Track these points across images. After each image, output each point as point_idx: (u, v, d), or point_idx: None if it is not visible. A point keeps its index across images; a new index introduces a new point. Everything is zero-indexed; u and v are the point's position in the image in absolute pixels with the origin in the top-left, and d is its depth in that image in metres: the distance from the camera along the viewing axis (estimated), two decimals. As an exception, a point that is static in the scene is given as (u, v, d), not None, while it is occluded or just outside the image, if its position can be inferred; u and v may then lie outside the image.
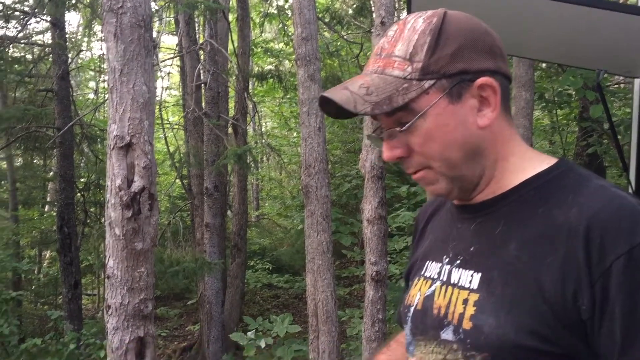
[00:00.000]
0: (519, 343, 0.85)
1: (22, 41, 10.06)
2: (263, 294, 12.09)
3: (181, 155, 8.64)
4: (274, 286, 11.97)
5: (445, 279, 1.01)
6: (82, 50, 12.84)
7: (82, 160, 10.79)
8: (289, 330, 5.82)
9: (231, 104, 10.31)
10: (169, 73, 14.37)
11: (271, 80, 9.47)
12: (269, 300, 11.61)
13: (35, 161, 13.03)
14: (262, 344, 5.63)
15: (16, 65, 9.00)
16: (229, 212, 10.20)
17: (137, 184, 3.62)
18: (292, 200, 11.54)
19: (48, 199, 13.51)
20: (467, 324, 0.92)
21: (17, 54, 10.50)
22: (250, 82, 10.62)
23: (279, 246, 13.64)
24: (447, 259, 1.03)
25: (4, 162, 12.17)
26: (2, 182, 13.01)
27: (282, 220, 14.48)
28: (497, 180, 0.99)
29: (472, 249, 0.98)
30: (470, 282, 0.95)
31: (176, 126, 12.61)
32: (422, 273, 1.08)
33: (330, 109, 0.98)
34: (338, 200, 8.96)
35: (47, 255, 13.73)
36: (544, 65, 7.45)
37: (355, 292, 9.99)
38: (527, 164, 0.98)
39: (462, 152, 0.95)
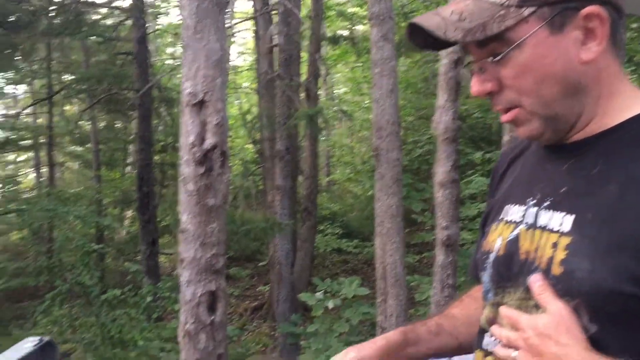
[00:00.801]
0: (617, 289, 0.78)
1: (103, 6, 10.40)
2: (332, 259, 12.20)
3: (254, 117, 8.73)
4: (343, 251, 12.05)
5: (530, 221, 0.94)
6: (160, 14, 13.15)
7: (160, 123, 11.14)
8: (357, 293, 5.84)
9: (303, 68, 10.29)
10: (243, 37, 14.50)
11: (344, 44, 9.36)
12: (338, 265, 11.71)
13: (116, 125, 13.60)
14: (330, 305, 5.69)
15: (97, 29, 9.31)
16: (299, 178, 10.29)
17: (210, 141, 3.67)
18: (363, 166, 11.49)
19: (129, 161, 14.09)
20: (556, 269, 0.85)
21: (98, 18, 10.85)
22: (323, 47, 10.54)
23: (349, 212, 13.68)
24: (533, 201, 0.95)
25: (88, 124, 12.75)
26: (87, 144, 13.66)
27: (353, 186, 14.48)
28: (597, 120, 0.90)
29: (563, 189, 0.91)
30: (561, 224, 0.87)
31: (249, 90, 12.76)
32: (503, 217, 1.02)
33: (419, 38, 0.92)
34: (410, 165, 8.83)
35: (128, 215, 14.37)
36: (634, 25, 6.96)
37: (424, 260, 9.89)
38: (633, 102, 0.89)
39: (559, 88, 0.87)
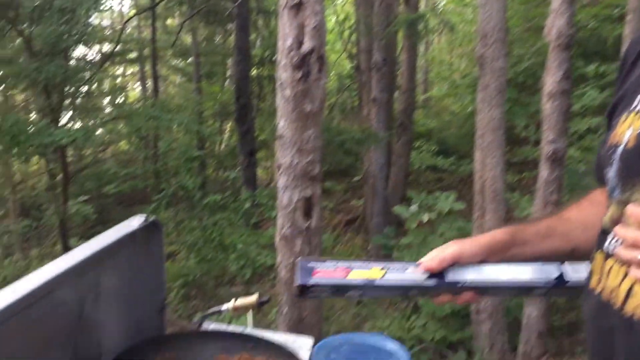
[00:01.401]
0: None
1: None
2: (426, 176, 12.05)
3: (351, 26, 8.50)
4: (437, 169, 11.84)
5: None
6: None
7: (258, 37, 11.14)
8: (453, 208, 5.74)
9: (403, -24, 9.78)
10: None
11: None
12: (432, 183, 11.56)
13: (216, 38, 13.77)
14: (425, 218, 5.64)
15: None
16: (396, 93, 10.05)
17: (307, 45, 3.60)
18: (463, 80, 11.02)
19: (227, 74, 14.34)
20: None
21: None
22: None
23: (446, 129, 13.32)
24: None
25: (189, 37, 13.00)
26: (188, 57, 13.99)
27: (451, 103, 14.00)
28: None
29: None
30: None
31: None
32: (634, 107, 0.91)
33: None
34: (514, 78, 8.33)
35: (228, 128, 14.79)
36: None
37: (524, 180, 9.54)
38: None
39: None
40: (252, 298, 1.66)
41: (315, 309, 4.21)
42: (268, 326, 5.35)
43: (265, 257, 6.29)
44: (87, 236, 9.02)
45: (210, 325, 1.65)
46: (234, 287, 7.27)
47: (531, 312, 5.04)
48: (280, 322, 4.25)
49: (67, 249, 7.95)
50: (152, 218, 1.43)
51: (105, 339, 1.38)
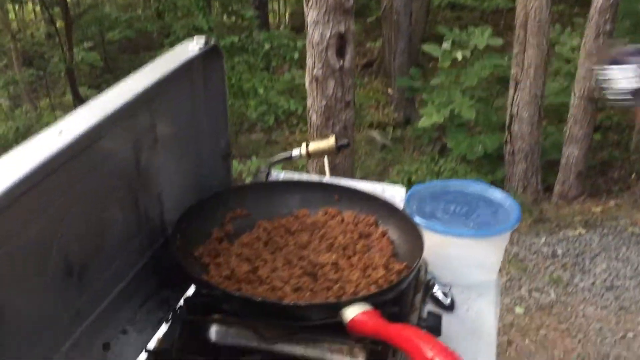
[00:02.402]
0: None
1: None
2: (445, 14, 11.35)
3: None
4: (456, 6, 11.10)
5: None
6: None
7: None
8: (490, 43, 5.30)
9: None
10: None
11: None
12: (452, 21, 10.87)
13: None
14: (459, 56, 5.23)
15: None
16: None
17: None
18: None
19: None
20: None
21: None
22: None
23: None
24: None
25: None
26: None
27: None
28: None
29: None
30: None
31: None
32: None
33: None
34: None
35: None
36: None
37: (565, 11, 8.91)
38: None
39: None
40: (329, 141, 1.39)
41: (349, 154, 4.00)
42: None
43: (287, 103, 5.98)
44: (95, 85, 8.67)
45: (281, 175, 1.40)
46: (254, 134, 7.06)
47: (572, 151, 4.83)
48: (310, 171, 4.06)
49: (78, 97, 7.64)
50: (212, 42, 1.11)
51: (167, 195, 1.13)
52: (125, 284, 1.02)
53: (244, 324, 0.98)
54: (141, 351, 1.00)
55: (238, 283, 1.03)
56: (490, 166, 5.64)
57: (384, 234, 1.18)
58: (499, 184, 5.35)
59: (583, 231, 4.30)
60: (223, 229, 1.20)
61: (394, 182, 5.67)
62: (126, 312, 1.03)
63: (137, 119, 1.00)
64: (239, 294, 0.95)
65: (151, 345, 1.01)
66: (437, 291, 1.24)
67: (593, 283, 3.50)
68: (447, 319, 1.11)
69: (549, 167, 5.41)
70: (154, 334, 1.03)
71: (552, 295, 3.42)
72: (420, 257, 1.05)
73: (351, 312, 0.90)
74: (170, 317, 1.04)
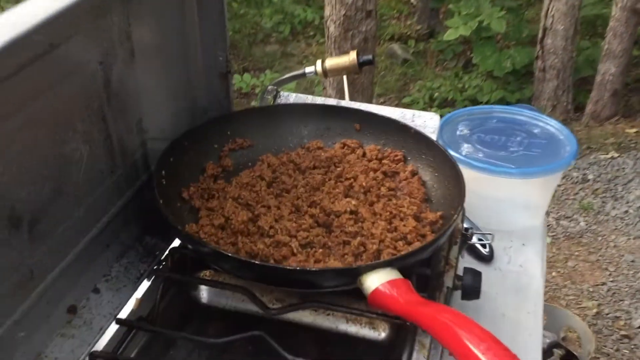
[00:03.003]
0: None
1: None
2: None
3: None
4: None
5: None
6: None
7: None
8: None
9: None
10: None
11: None
12: None
13: None
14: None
15: None
16: None
17: None
18: None
19: None
20: None
21: None
22: None
23: None
24: None
25: None
26: None
27: None
28: None
29: None
30: None
31: None
32: None
33: None
34: None
35: None
36: None
37: None
38: None
39: None
40: (350, 57, 1.15)
41: (368, 70, 3.72)
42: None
43: (304, 12, 5.60)
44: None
45: (291, 97, 1.17)
46: (269, 45, 6.71)
47: (608, 68, 4.48)
48: (327, 87, 3.80)
49: None
50: None
51: (149, 122, 0.92)
52: (96, 232, 0.83)
53: (240, 289, 0.79)
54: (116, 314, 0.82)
55: (234, 235, 0.84)
56: (517, 83, 5.32)
57: (413, 173, 0.97)
58: (526, 102, 5.05)
59: (616, 154, 4.05)
60: (219, 163, 1.00)
61: (414, 99, 5.40)
62: (99, 266, 0.85)
63: (106, 20, 0.77)
64: (232, 254, 0.75)
65: (128, 307, 0.83)
66: (476, 241, 1.04)
67: (626, 211, 3.29)
68: (484, 273, 0.91)
69: (580, 85, 5.08)
70: (133, 293, 0.85)
71: (582, 224, 3.24)
72: (461, 206, 0.84)
73: (374, 281, 0.70)
74: (150, 272, 0.86)
